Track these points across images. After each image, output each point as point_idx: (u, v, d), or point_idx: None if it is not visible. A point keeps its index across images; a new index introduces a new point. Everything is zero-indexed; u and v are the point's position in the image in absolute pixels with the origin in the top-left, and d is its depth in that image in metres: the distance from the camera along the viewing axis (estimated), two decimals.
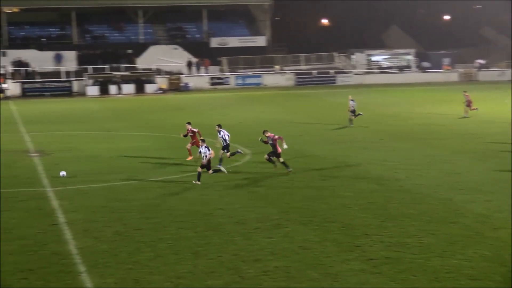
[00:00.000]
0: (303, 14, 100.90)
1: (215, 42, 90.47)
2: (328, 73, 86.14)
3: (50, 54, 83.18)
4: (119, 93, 76.05)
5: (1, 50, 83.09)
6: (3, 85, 74.29)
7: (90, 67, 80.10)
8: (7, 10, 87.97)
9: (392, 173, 28.07)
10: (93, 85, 77.28)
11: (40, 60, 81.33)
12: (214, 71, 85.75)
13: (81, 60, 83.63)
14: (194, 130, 32.14)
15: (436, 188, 25.08)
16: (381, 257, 17.18)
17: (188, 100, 67.54)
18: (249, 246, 18.29)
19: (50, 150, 35.71)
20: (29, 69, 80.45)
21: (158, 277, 16.05)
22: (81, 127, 46.54)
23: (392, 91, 71.24)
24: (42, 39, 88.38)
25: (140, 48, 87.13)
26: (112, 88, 76.75)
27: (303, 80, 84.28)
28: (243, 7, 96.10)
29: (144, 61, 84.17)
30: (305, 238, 18.98)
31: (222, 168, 28.38)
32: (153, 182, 27.26)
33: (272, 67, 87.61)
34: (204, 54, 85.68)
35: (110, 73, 79.12)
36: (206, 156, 26.67)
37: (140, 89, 77.37)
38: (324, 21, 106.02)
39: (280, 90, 76.76)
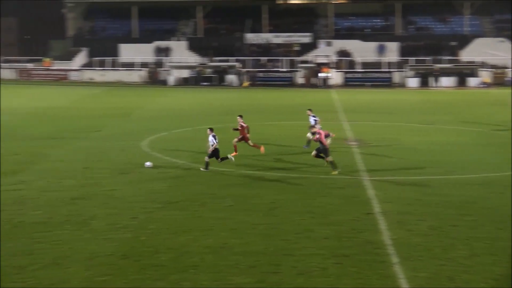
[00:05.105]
0: None
1: None
2: None
3: (372, 45, 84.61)
4: (438, 86, 75.13)
5: (327, 40, 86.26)
6: (328, 74, 77.02)
7: (411, 59, 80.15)
8: (334, 1, 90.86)
9: None
10: (414, 76, 77.17)
11: (362, 50, 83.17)
12: None
13: (403, 51, 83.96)
14: (243, 125, 30.58)
15: None
16: None
17: None
18: None
19: (369, 140, 36.14)
20: (351, 59, 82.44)
21: (473, 277, 15.44)
22: (400, 118, 46.63)
23: None
24: (366, 30, 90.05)
25: (465, 41, 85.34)
26: (432, 81, 76.09)
27: None
28: None
29: (467, 54, 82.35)
30: None
31: (230, 157, 27.94)
32: (471, 179, 26.40)
33: None
34: None
35: (431, 65, 78.49)
36: (211, 145, 26.84)
37: (461, 83, 75.84)
38: None
39: None
